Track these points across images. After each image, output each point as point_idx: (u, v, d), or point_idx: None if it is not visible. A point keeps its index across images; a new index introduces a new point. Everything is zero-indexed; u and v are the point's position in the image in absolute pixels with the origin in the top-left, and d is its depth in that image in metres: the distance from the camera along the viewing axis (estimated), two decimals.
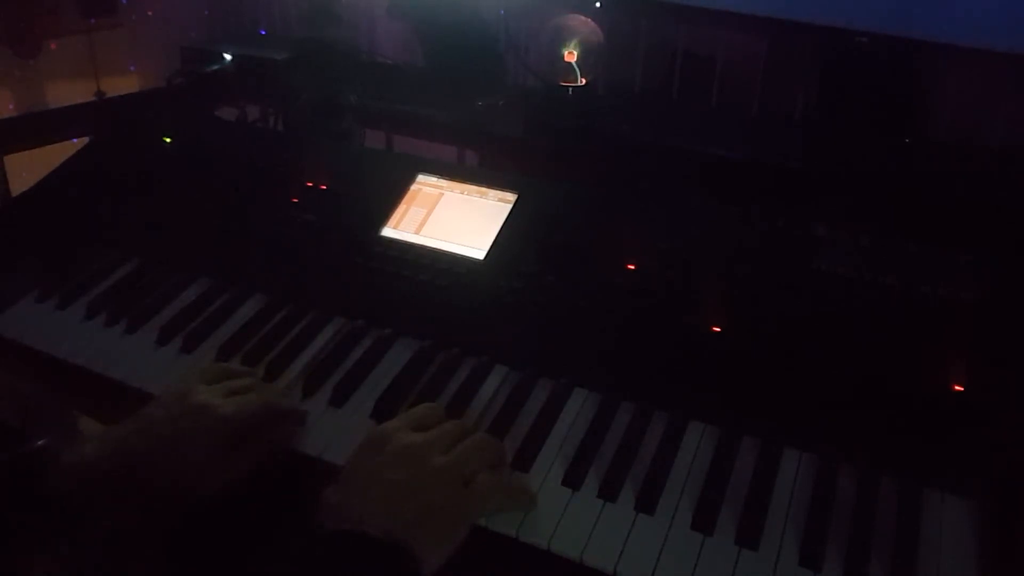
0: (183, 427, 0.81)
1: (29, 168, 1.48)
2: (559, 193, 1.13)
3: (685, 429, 0.87)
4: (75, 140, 1.54)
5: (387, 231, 1.12)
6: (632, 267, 1.02)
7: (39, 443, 0.79)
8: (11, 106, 2.32)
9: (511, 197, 1.12)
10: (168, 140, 1.33)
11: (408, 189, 1.16)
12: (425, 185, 1.16)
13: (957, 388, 0.85)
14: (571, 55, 1.41)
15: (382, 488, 0.74)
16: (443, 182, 1.16)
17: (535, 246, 1.06)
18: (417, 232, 1.11)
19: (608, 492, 0.81)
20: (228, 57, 1.62)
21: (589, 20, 1.42)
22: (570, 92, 1.43)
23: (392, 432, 0.79)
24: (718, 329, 0.94)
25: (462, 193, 1.15)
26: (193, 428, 0.81)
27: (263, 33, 2.25)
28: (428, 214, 1.13)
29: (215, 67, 1.61)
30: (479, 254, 1.07)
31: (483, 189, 1.14)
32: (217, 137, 1.36)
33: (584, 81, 1.42)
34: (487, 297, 1.02)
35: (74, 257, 1.15)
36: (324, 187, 1.19)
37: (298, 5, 2.12)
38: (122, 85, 2.31)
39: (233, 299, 1.07)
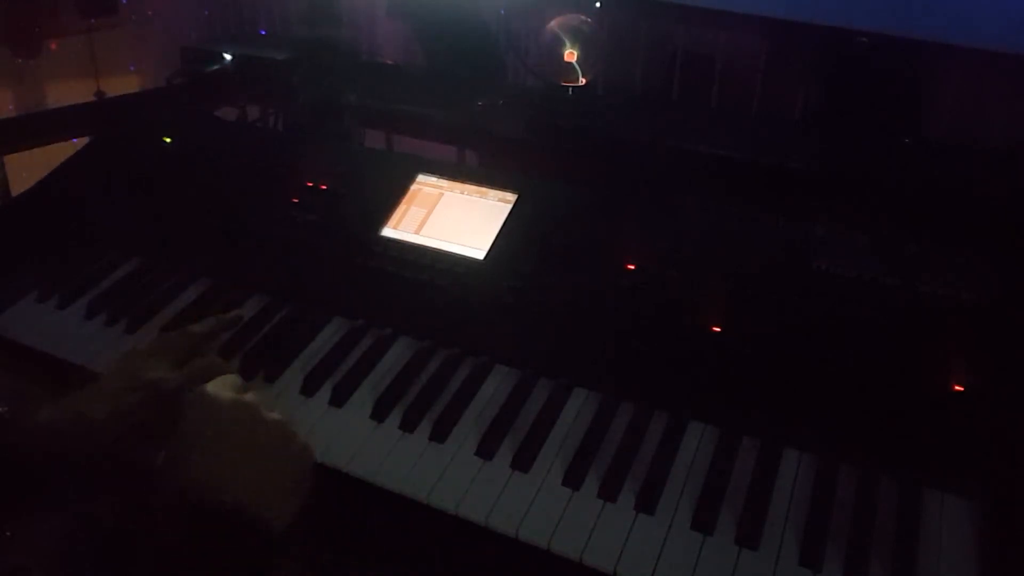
0: (137, 400, 0.82)
1: (29, 168, 1.48)
2: (559, 193, 1.13)
3: (685, 429, 0.87)
4: (75, 140, 1.54)
5: (387, 231, 1.12)
6: (632, 267, 1.02)
7: None
8: (11, 106, 2.31)
9: (511, 197, 1.12)
10: (168, 140, 1.33)
11: (408, 189, 1.16)
12: (425, 185, 1.16)
13: (957, 388, 0.85)
14: (571, 55, 1.41)
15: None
16: (443, 182, 1.16)
17: (535, 246, 1.06)
18: (417, 232, 1.11)
19: (608, 492, 0.81)
20: (228, 57, 1.62)
21: (589, 20, 1.42)
22: (570, 92, 1.43)
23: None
24: (718, 329, 0.94)
25: (462, 193, 1.14)
26: (147, 400, 0.83)
27: (263, 33, 2.25)
28: (428, 214, 1.13)
29: (215, 67, 1.61)
30: (479, 254, 1.06)
31: (483, 189, 1.14)
32: (217, 137, 1.36)
33: (584, 81, 1.42)
34: (487, 297, 1.02)
35: (74, 257, 1.15)
36: (324, 187, 1.19)
37: (298, 5, 2.12)
38: (122, 85, 2.31)
39: (233, 299, 1.07)
